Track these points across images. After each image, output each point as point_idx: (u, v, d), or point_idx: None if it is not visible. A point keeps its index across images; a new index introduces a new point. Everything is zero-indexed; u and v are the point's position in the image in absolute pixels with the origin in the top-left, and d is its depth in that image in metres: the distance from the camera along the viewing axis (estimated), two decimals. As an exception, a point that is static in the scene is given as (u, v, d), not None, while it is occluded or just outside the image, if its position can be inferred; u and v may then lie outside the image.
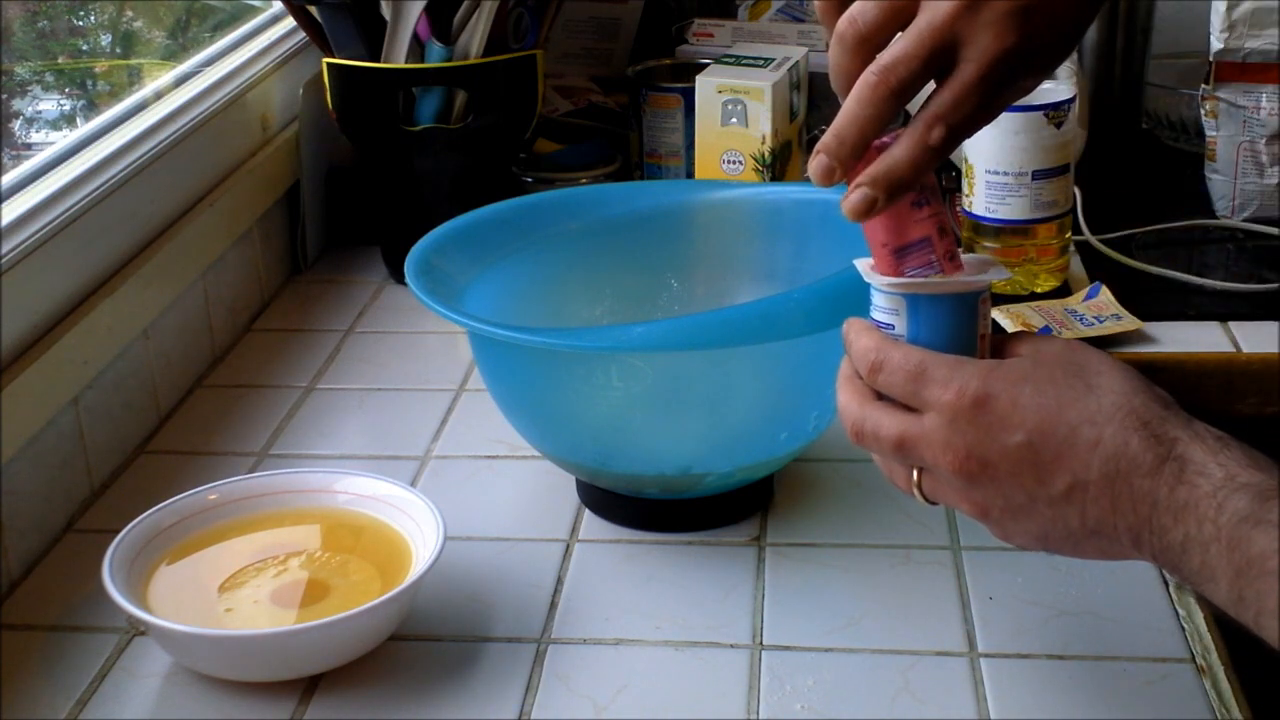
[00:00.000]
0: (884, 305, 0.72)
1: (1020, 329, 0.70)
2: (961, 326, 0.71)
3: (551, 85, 1.52)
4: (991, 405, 0.67)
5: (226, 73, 1.29)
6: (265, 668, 0.81)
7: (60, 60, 1.29)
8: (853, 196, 0.69)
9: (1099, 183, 1.38)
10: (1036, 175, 1.16)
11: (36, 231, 0.97)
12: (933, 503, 0.72)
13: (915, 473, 0.71)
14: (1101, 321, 1.13)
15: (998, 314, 1.12)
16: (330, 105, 1.29)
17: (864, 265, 0.74)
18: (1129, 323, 1.14)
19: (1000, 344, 0.72)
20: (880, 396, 0.71)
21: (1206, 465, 0.63)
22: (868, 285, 0.73)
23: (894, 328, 0.72)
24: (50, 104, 1.27)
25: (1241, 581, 0.61)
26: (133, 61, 1.37)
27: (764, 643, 0.83)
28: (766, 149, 1.21)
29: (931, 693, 0.79)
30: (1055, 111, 1.15)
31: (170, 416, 1.11)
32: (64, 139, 1.10)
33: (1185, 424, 0.66)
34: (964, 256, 0.73)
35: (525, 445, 0.98)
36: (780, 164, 1.24)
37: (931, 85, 0.69)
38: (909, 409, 0.70)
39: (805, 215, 1.04)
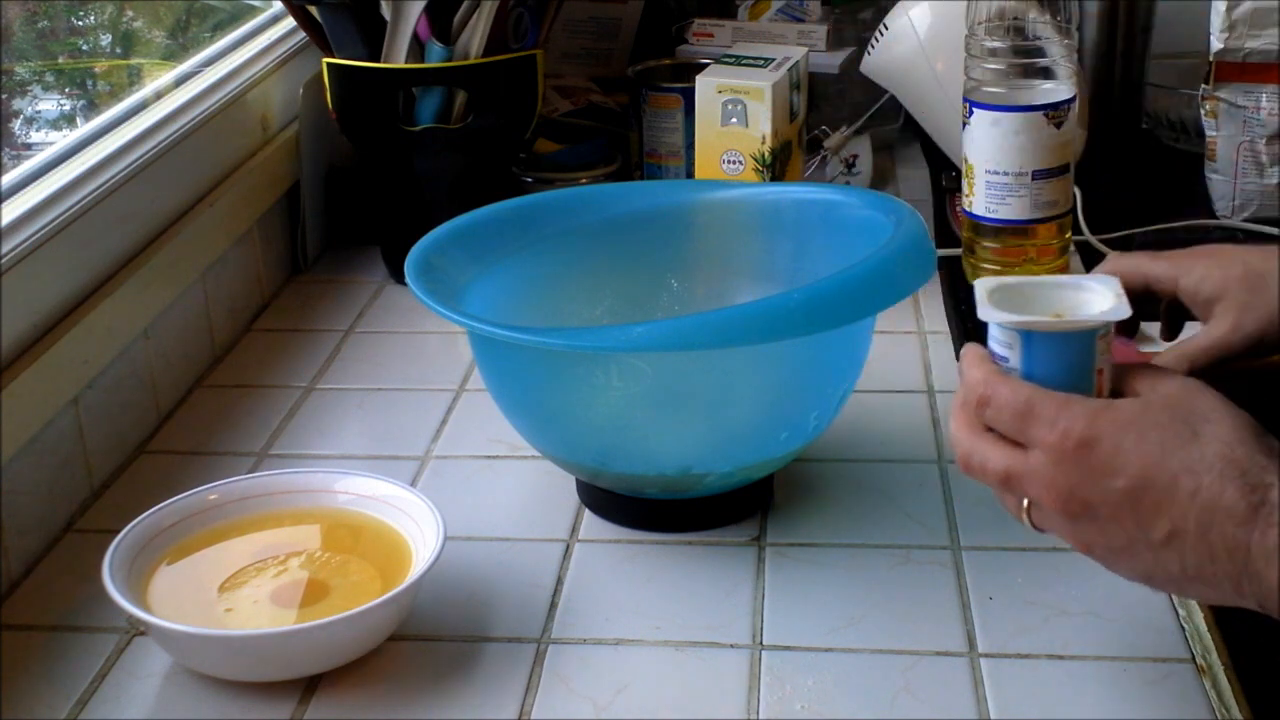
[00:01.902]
0: (1000, 338, 0.72)
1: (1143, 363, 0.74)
2: (1075, 363, 0.71)
3: (551, 85, 1.52)
4: (1096, 449, 0.68)
5: (226, 73, 1.29)
6: (265, 668, 0.81)
7: (60, 60, 1.29)
8: None
9: (1099, 183, 1.38)
10: (1036, 175, 1.16)
11: (36, 231, 0.97)
12: (1041, 531, 0.73)
13: (1025, 501, 0.72)
14: (1101, 321, 1.13)
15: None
16: (330, 105, 1.29)
17: (983, 290, 0.73)
18: (1129, 323, 1.14)
19: (1119, 376, 0.72)
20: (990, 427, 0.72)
21: None
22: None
23: (1009, 360, 0.72)
24: (50, 104, 1.27)
25: None
26: (133, 61, 1.37)
27: (764, 643, 0.83)
28: (766, 149, 1.21)
29: (931, 693, 0.79)
30: (1055, 111, 1.15)
31: (170, 416, 1.11)
32: (64, 139, 1.10)
33: None
34: (1089, 279, 0.74)
35: (525, 445, 0.98)
36: (780, 164, 1.23)
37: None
38: (1018, 443, 0.71)
39: (805, 215, 1.04)
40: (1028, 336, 0.71)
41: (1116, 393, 0.72)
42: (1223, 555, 0.65)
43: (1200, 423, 0.68)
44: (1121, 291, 0.73)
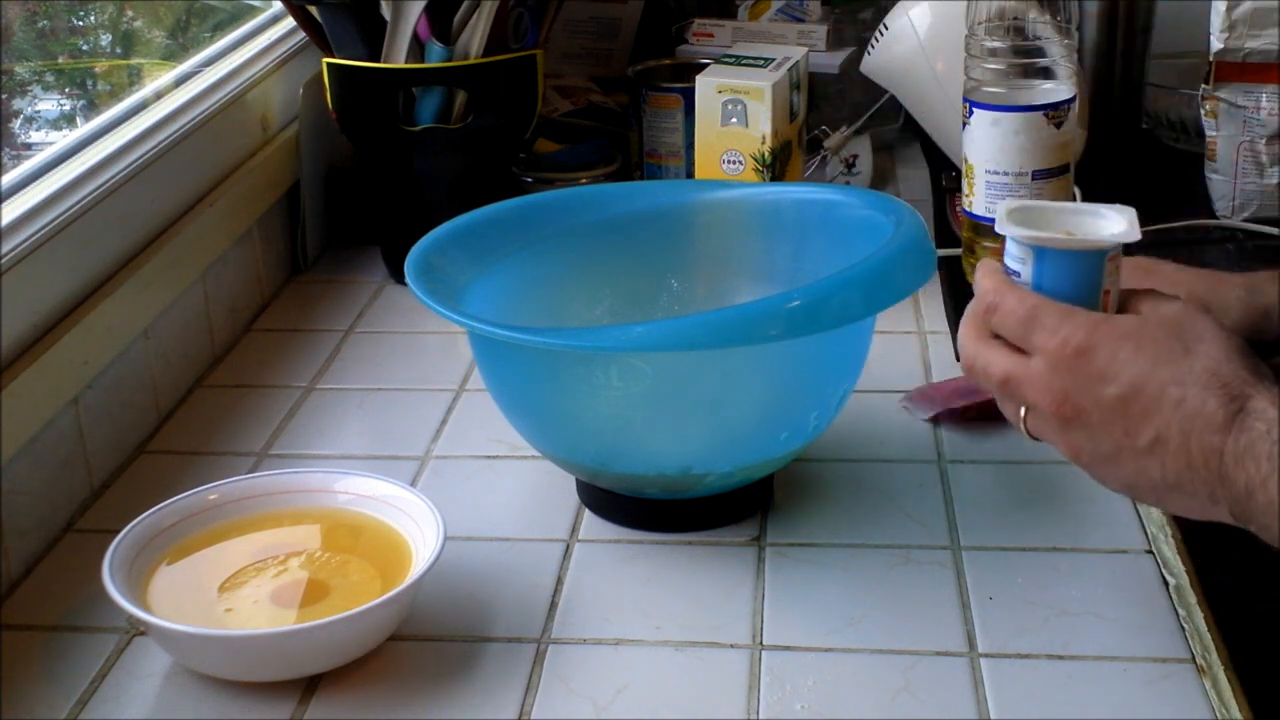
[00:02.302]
0: (1014, 253, 0.77)
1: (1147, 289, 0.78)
2: (1082, 282, 0.75)
3: (551, 85, 1.52)
4: (1092, 357, 0.71)
5: (226, 73, 1.29)
6: (265, 668, 0.81)
7: (60, 60, 1.29)
8: None
9: (1099, 183, 1.38)
10: (1036, 175, 1.16)
11: (36, 231, 0.97)
12: (1036, 439, 0.76)
13: (1023, 409, 0.76)
14: (1101, 321, 1.13)
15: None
16: (330, 105, 1.29)
17: (1003, 208, 0.78)
18: (1129, 323, 1.14)
19: (1126, 299, 0.76)
20: (998, 336, 0.76)
21: (1266, 410, 0.67)
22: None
23: (1020, 275, 0.76)
24: (50, 104, 1.27)
25: None
26: (133, 61, 1.37)
27: (764, 643, 0.83)
28: (766, 149, 1.21)
29: (931, 693, 0.79)
30: (1055, 111, 1.15)
31: (170, 416, 1.11)
32: (64, 139, 1.10)
33: (1267, 385, 0.69)
34: (1107, 207, 0.77)
35: (525, 445, 0.98)
36: (780, 164, 1.23)
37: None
38: (1020, 350, 0.74)
39: (805, 215, 1.04)
40: (1040, 252, 0.75)
41: (1121, 312, 0.75)
42: (1199, 463, 0.69)
43: (1194, 341, 0.71)
44: (1135, 219, 0.76)
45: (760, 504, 0.96)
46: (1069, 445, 0.74)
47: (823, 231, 1.01)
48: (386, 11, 1.25)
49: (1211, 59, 1.32)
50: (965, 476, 0.99)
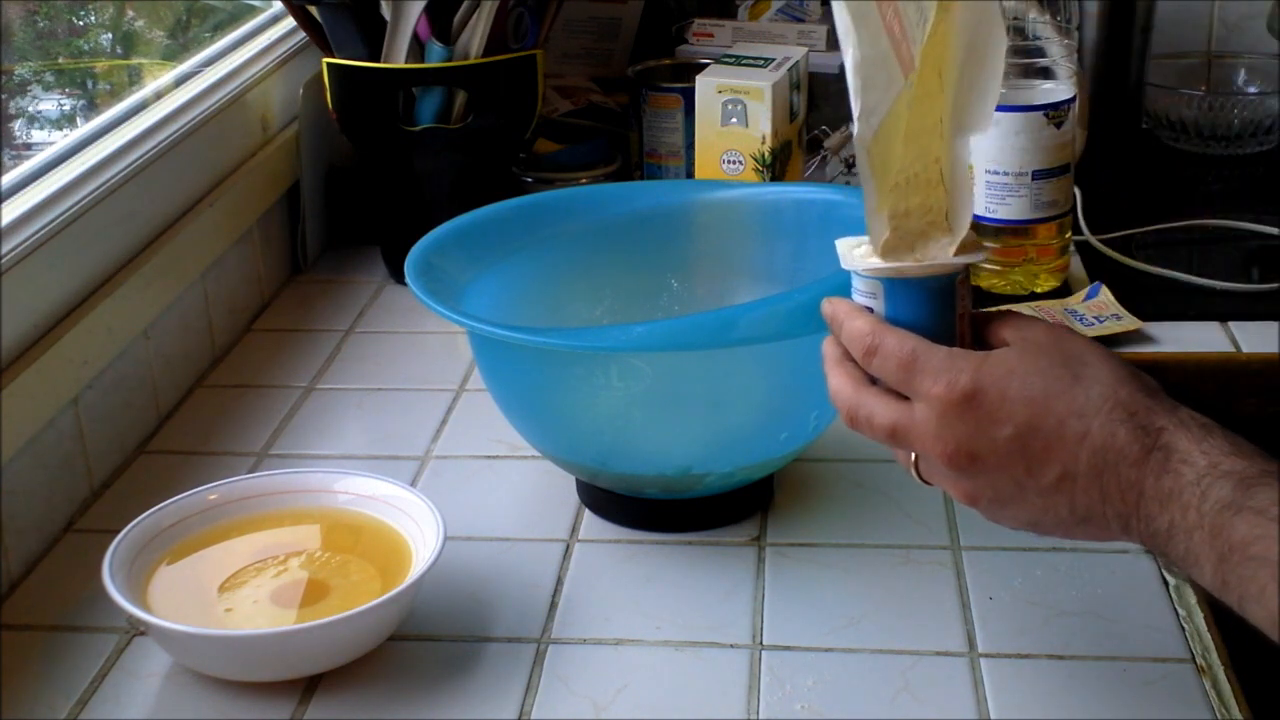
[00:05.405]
0: (862, 289, 0.74)
1: (1004, 308, 0.72)
2: (937, 309, 0.72)
3: (551, 85, 1.52)
4: (980, 400, 0.68)
5: (226, 73, 1.29)
6: (265, 668, 0.81)
7: (60, 60, 1.29)
8: None
9: (1099, 183, 1.38)
10: (1036, 175, 1.16)
11: (36, 231, 0.97)
12: (929, 483, 0.74)
13: (912, 455, 0.73)
14: (1101, 321, 1.13)
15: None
16: (330, 105, 1.29)
17: (844, 246, 0.75)
18: (1129, 323, 1.14)
19: (985, 324, 0.73)
20: (873, 379, 0.73)
21: (1190, 454, 0.65)
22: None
23: (872, 310, 0.73)
24: (50, 104, 1.27)
25: (1225, 567, 0.63)
26: (133, 61, 1.37)
27: (764, 643, 0.83)
28: (766, 149, 1.21)
29: (931, 693, 0.79)
30: (1055, 111, 1.15)
31: (170, 416, 1.11)
32: (64, 139, 1.10)
33: (1170, 411, 0.67)
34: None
35: (525, 445, 0.98)
36: (780, 164, 1.24)
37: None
38: (902, 396, 0.71)
39: (805, 215, 1.04)
40: (890, 284, 0.72)
41: (980, 340, 0.73)
42: (1115, 496, 0.66)
43: (1079, 365, 0.69)
44: (976, 237, 0.73)
45: (760, 504, 0.96)
46: (964, 491, 0.71)
47: (823, 231, 1.01)
48: (386, 11, 1.25)
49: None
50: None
